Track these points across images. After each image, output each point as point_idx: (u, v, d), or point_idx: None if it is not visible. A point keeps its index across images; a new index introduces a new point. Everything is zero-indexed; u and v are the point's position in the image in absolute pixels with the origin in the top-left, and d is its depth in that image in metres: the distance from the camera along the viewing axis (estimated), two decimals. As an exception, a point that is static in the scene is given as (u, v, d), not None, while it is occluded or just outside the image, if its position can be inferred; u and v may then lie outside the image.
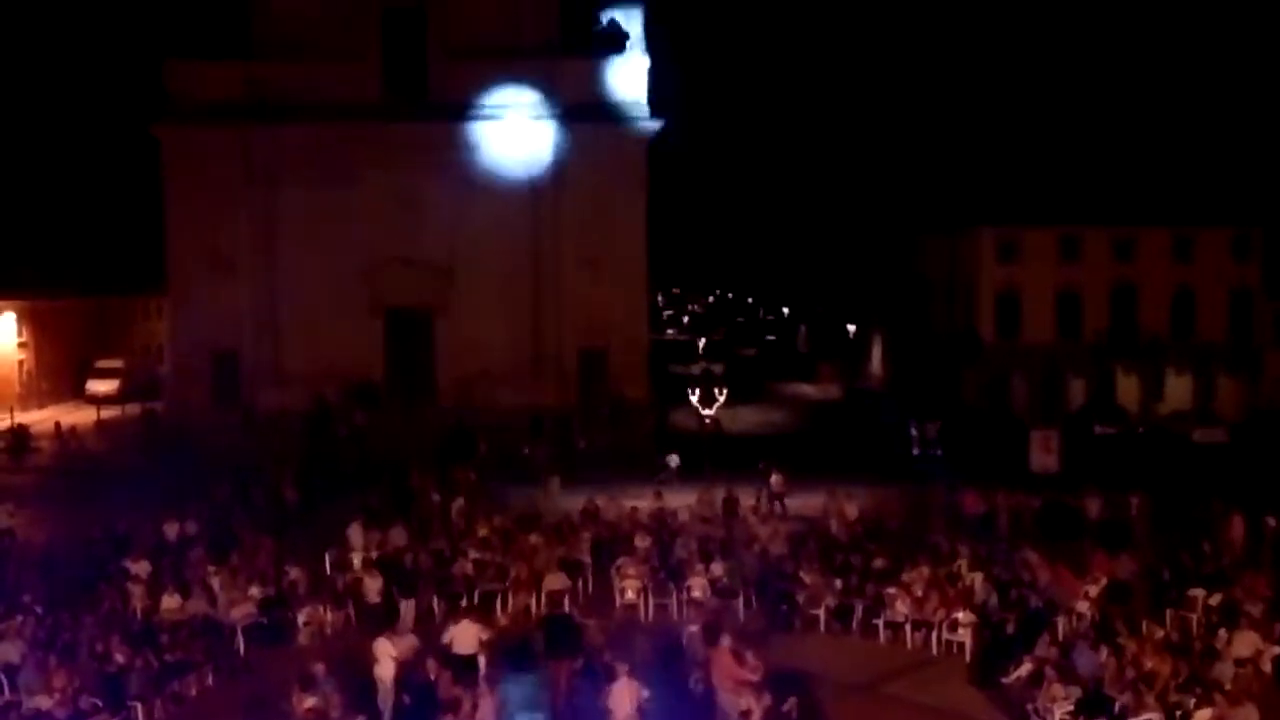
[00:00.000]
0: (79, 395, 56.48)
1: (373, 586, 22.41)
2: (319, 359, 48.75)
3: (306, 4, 50.13)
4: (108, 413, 50.89)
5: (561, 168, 51.25)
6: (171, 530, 26.81)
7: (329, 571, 24.71)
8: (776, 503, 30.90)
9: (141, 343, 63.91)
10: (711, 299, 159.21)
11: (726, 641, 17.48)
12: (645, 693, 15.83)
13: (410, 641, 18.23)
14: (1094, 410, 50.75)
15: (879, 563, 23.84)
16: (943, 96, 72.52)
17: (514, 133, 50.81)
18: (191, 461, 37.61)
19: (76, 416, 49.57)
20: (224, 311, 50.22)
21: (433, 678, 16.24)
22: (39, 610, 20.77)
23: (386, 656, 17.47)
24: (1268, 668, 18.67)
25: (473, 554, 24.58)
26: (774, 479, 31.47)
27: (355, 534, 25.90)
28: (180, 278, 51.21)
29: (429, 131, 50.50)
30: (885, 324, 69.25)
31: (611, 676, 16.33)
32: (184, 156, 50.40)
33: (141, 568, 23.51)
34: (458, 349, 50.95)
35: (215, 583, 22.42)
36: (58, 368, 57.56)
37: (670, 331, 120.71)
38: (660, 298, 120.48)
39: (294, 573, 23.33)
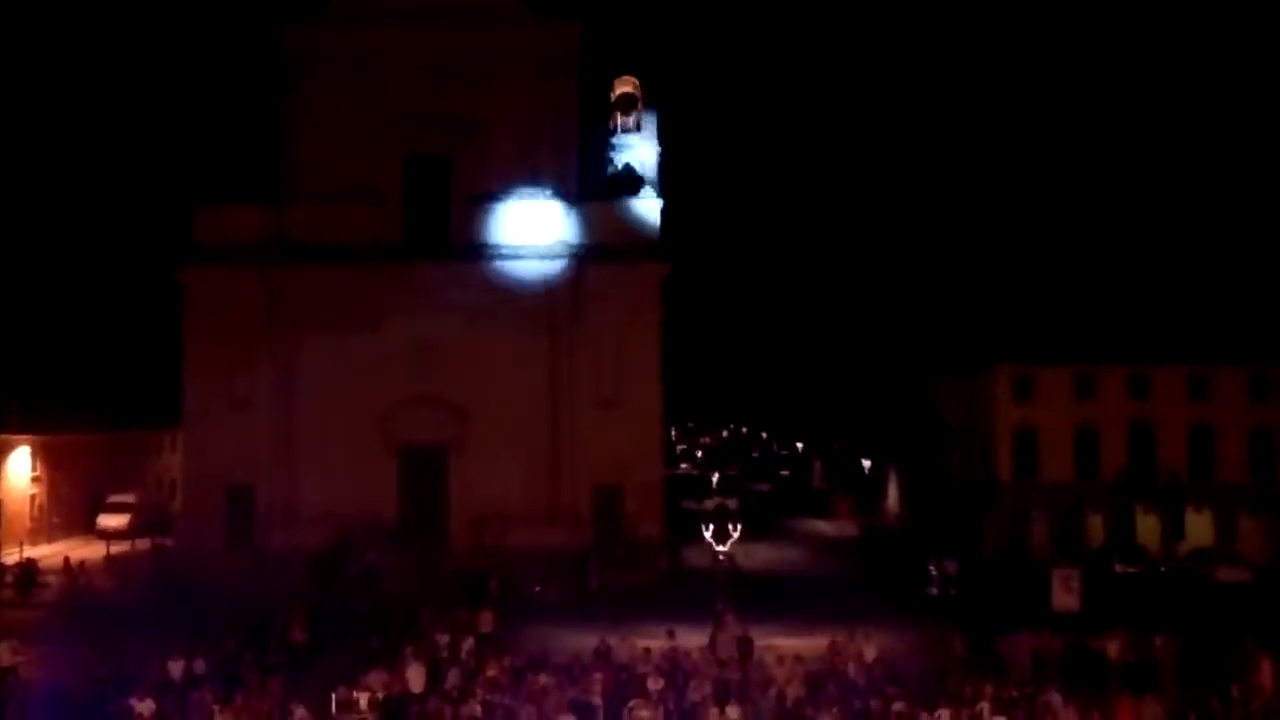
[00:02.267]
0: (90, 530, 56.29)
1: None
2: (334, 497, 48.72)
3: (332, 151, 51.64)
4: (118, 548, 50.61)
5: (577, 307, 51.92)
6: (176, 669, 26.38)
7: (334, 712, 24.19)
8: (734, 644, 29.84)
9: (155, 477, 63.96)
10: (725, 433, 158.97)
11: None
12: None
13: None
14: (1115, 549, 50.09)
15: (898, 706, 23.23)
16: (960, 236, 73.51)
17: (531, 273, 51.63)
18: (201, 600, 37.25)
19: (86, 551, 49.28)
20: (239, 449, 50.43)
21: None
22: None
23: None
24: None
25: (481, 694, 24.06)
26: (730, 619, 30.73)
27: (370, 676, 25.47)
28: (196, 414, 51.61)
29: (448, 272, 51.43)
30: (902, 463, 68.88)
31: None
32: (206, 299, 51.38)
33: (146, 706, 23.05)
34: (472, 488, 50.88)
35: (219, 723, 21.95)
36: (70, 502, 57.51)
37: (684, 466, 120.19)
38: (674, 432, 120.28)
39: (299, 713, 22.82)
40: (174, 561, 46.55)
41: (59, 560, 45.21)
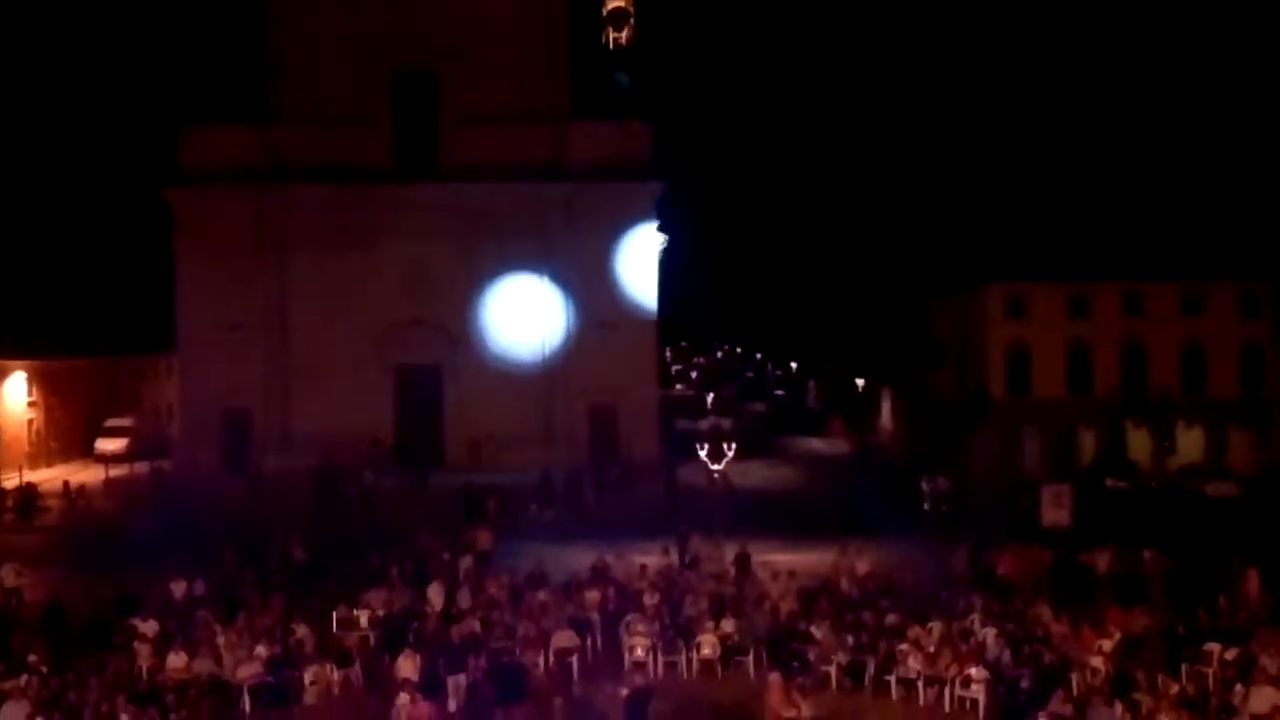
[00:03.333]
0: (88, 454, 56.55)
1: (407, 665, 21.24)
2: (329, 419, 48.84)
3: (319, 70, 50.91)
4: (116, 471, 50.90)
5: (570, 227, 51.64)
6: (178, 589, 26.74)
7: (336, 631, 24.58)
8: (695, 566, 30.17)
9: (151, 401, 64.06)
10: (720, 354, 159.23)
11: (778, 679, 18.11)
12: None
13: None
14: (1105, 465, 50.52)
15: (891, 619, 23.64)
16: (953, 153, 72.87)
17: (523, 194, 51.27)
18: (200, 521, 37.59)
19: (85, 475, 49.57)
20: (234, 372, 50.47)
21: None
22: (44, 670, 20.67)
23: None
24: (1286, 724, 18.38)
25: (481, 612, 24.44)
26: (693, 542, 31.02)
27: (370, 594, 25.87)
28: (191, 339, 51.55)
29: (439, 193, 51.02)
30: (894, 381, 69.16)
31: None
32: (196, 220, 50.97)
33: (149, 627, 23.41)
34: (467, 409, 51.06)
35: (221, 642, 22.29)
36: (67, 427, 57.70)
37: (678, 387, 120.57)
38: (668, 353, 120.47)
39: (301, 632, 23.19)
40: (172, 484, 46.90)
41: (58, 484, 45.55)
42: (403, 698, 18.38)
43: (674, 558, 29.96)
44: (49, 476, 50.08)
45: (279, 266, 51.20)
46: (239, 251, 50.75)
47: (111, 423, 58.06)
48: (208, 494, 43.17)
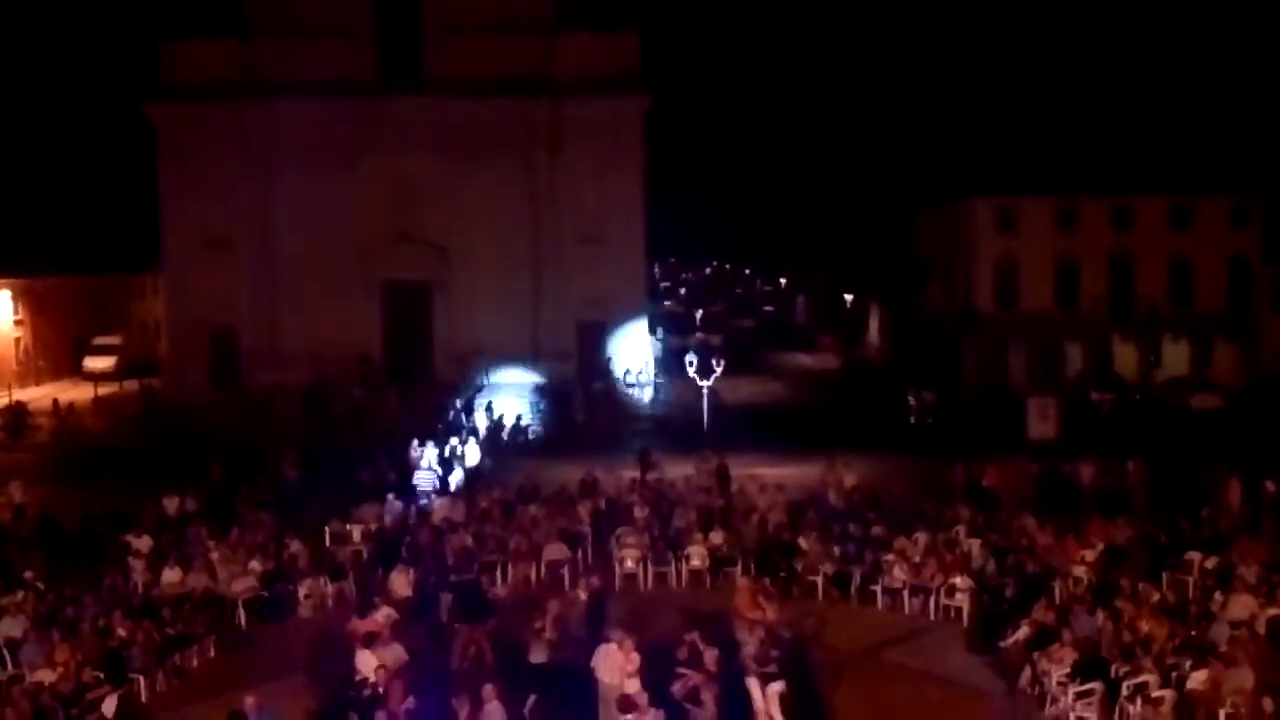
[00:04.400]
0: (76, 373, 56.53)
1: (400, 582, 21.40)
2: (317, 336, 48.72)
3: (298, -21, 49.84)
4: (105, 390, 50.92)
5: (557, 142, 51.09)
6: (171, 505, 26.93)
7: (329, 545, 24.83)
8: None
9: (139, 320, 63.91)
10: (709, 270, 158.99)
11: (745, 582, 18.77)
12: (636, 656, 15.82)
13: (395, 652, 16.87)
14: (1091, 378, 50.86)
15: (877, 530, 23.96)
16: (939, 67, 72.20)
17: (509, 108, 50.63)
18: (190, 439, 37.75)
19: (74, 394, 49.59)
20: (221, 289, 50.24)
21: (381, 690, 14.97)
22: (40, 586, 20.89)
23: (369, 669, 16.13)
24: (1262, 630, 18.75)
25: (473, 525, 24.71)
26: (653, 458, 31.16)
27: (363, 509, 26.11)
28: (176, 256, 51.23)
29: (423, 107, 50.28)
30: (883, 295, 69.21)
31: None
32: (178, 135, 50.30)
33: (143, 543, 23.61)
34: (456, 325, 50.96)
35: (215, 557, 22.51)
36: (55, 345, 57.59)
37: (667, 303, 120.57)
38: (657, 268, 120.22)
39: (294, 547, 23.43)
40: (161, 402, 46.94)
41: (47, 403, 45.56)
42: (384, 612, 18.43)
43: (643, 476, 29.98)
44: (37, 395, 50.08)
45: (262, 182, 50.67)
46: (222, 167, 50.20)
47: (99, 341, 57.96)
48: (197, 412, 43.23)
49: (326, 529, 25.53)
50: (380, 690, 14.51)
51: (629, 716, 14.11)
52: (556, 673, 16.59)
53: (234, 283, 50.45)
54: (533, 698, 13.81)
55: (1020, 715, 16.98)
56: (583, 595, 18.88)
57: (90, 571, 22.19)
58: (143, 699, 17.70)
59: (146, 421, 43.64)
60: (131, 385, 50.83)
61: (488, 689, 14.17)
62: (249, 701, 14.10)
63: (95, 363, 56.00)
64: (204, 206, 50.16)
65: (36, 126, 62.79)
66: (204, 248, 50.25)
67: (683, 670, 15.30)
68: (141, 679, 17.85)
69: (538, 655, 16.89)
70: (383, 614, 18.21)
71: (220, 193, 50.20)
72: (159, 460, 34.04)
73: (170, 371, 51.97)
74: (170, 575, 21.69)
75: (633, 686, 14.85)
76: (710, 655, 15.55)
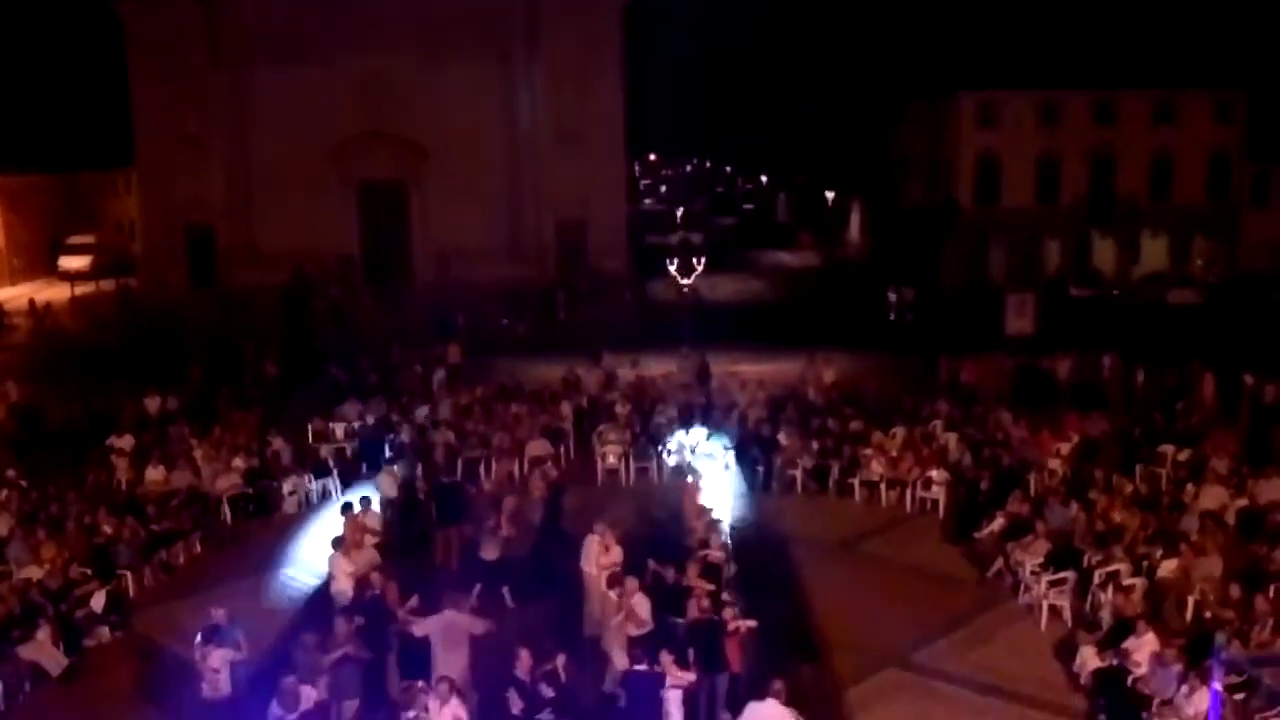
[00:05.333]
0: (52, 272, 56.01)
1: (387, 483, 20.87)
2: (294, 236, 48.40)
3: None
4: (82, 289, 50.54)
5: (535, 37, 50.22)
6: (153, 405, 26.93)
7: (311, 443, 24.93)
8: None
9: (114, 218, 63.16)
10: (689, 167, 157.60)
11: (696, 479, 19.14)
12: (617, 550, 16.05)
13: (368, 556, 16.52)
14: (1070, 274, 51.02)
15: (855, 425, 24.19)
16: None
17: (484, 1, 49.59)
18: (170, 338, 37.65)
19: (51, 294, 49.22)
20: (195, 188, 49.71)
21: (378, 591, 14.64)
22: (24, 484, 20.96)
23: (343, 574, 15.84)
24: (1232, 520, 19.15)
25: (456, 422, 24.85)
26: (605, 360, 31.23)
27: (345, 407, 26.18)
28: (149, 154, 50.56)
29: (399, 2, 49.22)
30: (864, 192, 68.88)
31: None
32: (147, 31, 49.31)
33: (124, 441, 23.64)
34: (434, 224, 50.67)
35: (199, 455, 22.59)
36: (29, 244, 56.97)
37: (648, 201, 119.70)
38: (637, 166, 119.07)
39: (277, 445, 23.51)
40: (139, 301, 46.68)
41: (23, 302, 45.22)
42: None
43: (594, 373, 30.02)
44: (13, 295, 49.67)
45: (234, 79, 49.82)
46: (193, 64, 49.31)
47: (74, 240, 57.34)
48: (175, 311, 43.06)
49: (309, 427, 25.62)
50: (378, 592, 14.49)
51: (614, 590, 14.39)
52: (510, 569, 16.68)
53: (209, 181, 49.89)
54: (477, 587, 13.95)
55: (994, 603, 17.37)
56: (536, 492, 19.03)
57: (73, 470, 22.28)
58: (131, 594, 17.89)
59: (125, 321, 43.42)
60: (108, 285, 50.45)
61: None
62: (219, 613, 13.71)
63: (71, 262, 55.47)
64: (176, 104, 49.35)
65: (4, 24, 61.13)
66: (177, 145, 49.53)
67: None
68: (129, 575, 18.03)
69: (489, 552, 16.89)
70: (369, 516, 18.06)
71: (192, 90, 49.36)
72: (138, 359, 33.94)
73: (147, 271, 51.62)
74: (154, 473, 21.76)
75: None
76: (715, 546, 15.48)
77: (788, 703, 11.61)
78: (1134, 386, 28.53)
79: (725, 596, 14.53)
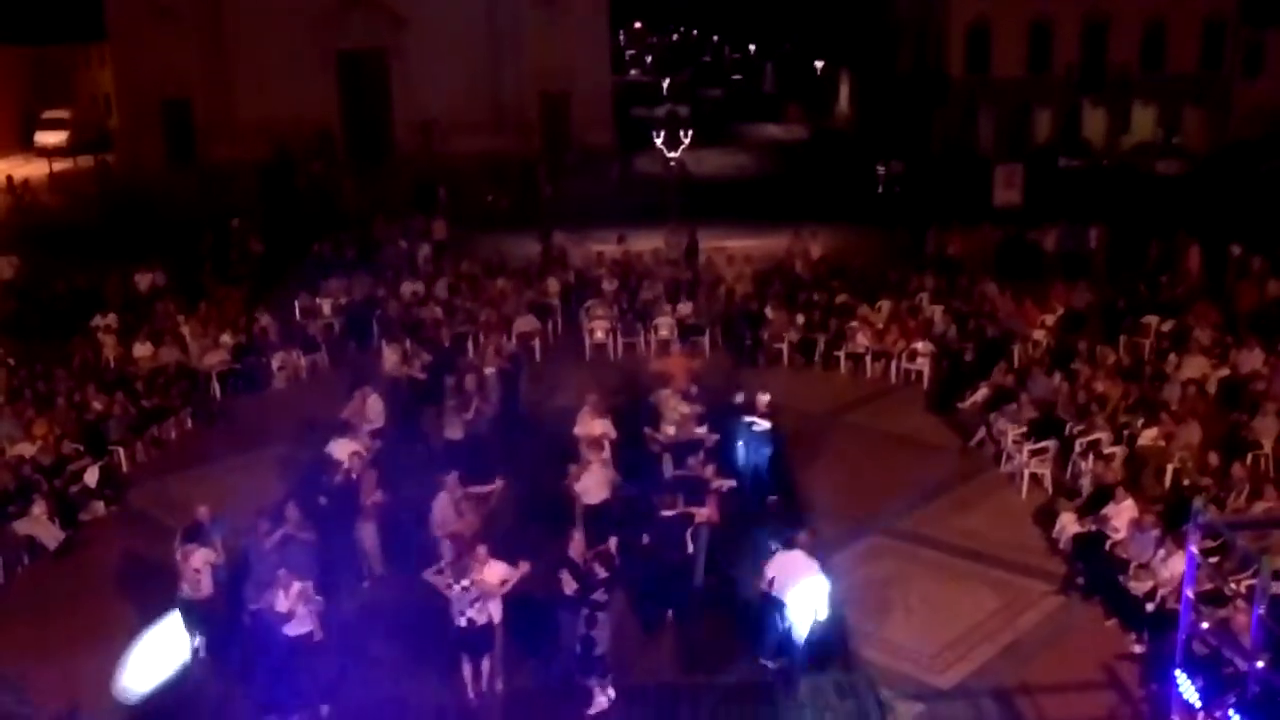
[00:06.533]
0: (28, 148, 55.06)
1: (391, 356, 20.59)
2: (273, 109, 47.42)
3: None
4: (60, 165, 49.72)
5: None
6: (143, 282, 26.82)
7: (299, 319, 24.93)
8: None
9: (88, 92, 61.78)
10: (675, 36, 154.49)
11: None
12: (598, 421, 16.22)
13: (363, 442, 16.06)
14: (1059, 144, 50.57)
15: (841, 298, 24.25)
16: None
17: None
18: (150, 215, 37.25)
19: (28, 170, 48.45)
20: (170, 60, 48.56)
21: (354, 477, 14.50)
22: (11, 362, 20.96)
23: (343, 454, 15.50)
24: (1213, 389, 19.40)
25: (443, 297, 24.84)
26: (557, 238, 31.08)
27: (331, 283, 26.11)
28: (121, 26, 49.23)
29: None
30: (853, 63, 67.70)
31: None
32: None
33: (110, 319, 23.59)
34: (415, 95, 49.67)
35: (186, 332, 22.58)
36: (2, 120, 55.85)
37: (634, 72, 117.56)
38: (622, 36, 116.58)
39: (264, 320, 23.49)
40: (118, 178, 46.05)
41: (1, 180, 44.53)
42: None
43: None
44: (-11, 171, 48.90)
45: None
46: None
47: (49, 115, 56.20)
48: (155, 187, 42.54)
49: (295, 303, 25.59)
50: (353, 477, 14.60)
51: (590, 452, 14.75)
52: (475, 448, 16.55)
53: (184, 53, 48.72)
54: (454, 474, 14.18)
55: (976, 471, 17.66)
56: (490, 368, 19.06)
57: (59, 347, 22.27)
58: (124, 469, 18.07)
59: (103, 197, 42.88)
60: (86, 160, 49.63)
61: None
62: (202, 511, 13.21)
63: (47, 137, 54.46)
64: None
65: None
66: (149, 17, 48.21)
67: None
68: (121, 450, 18.17)
69: (453, 431, 16.76)
70: (371, 401, 17.66)
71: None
72: (119, 237, 33.65)
73: (124, 146, 50.79)
74: (141, 350, 21.77)
75: (602, 450, 15.23)
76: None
77: (812, 554, 12.17)
78: (1120, 257, 28.56)
79: (704, 457, 14.98)
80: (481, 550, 11.74)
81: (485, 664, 11.89)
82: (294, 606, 11.48)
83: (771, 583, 12.09)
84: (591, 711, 11.55)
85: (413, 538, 14.14)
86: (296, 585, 11.60)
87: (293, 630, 11.54)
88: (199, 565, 12.60)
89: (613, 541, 12.14)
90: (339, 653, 12.22)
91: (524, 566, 11.79)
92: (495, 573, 11.62)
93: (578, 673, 11.65)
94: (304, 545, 13.24)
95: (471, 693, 11.86)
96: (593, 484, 14.54)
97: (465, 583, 11.47)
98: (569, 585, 11.68)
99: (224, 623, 12.86)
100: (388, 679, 12.30)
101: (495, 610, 11.66)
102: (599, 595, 11.43)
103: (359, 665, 12.40)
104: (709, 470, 14.40)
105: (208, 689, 12.41)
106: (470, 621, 11.49)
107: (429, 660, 12.25)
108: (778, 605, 12.04)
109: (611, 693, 11.63)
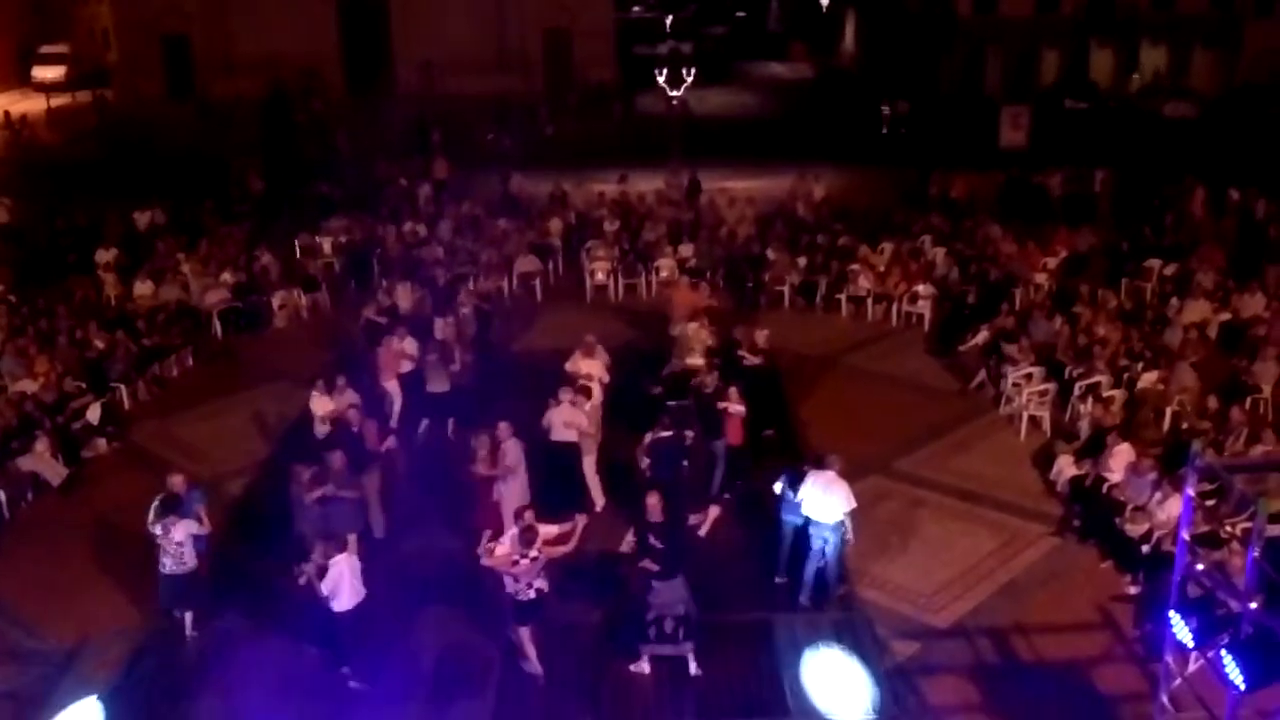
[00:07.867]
0: (25, 83, 54.56)
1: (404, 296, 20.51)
2: (273, 44, 46.91)
3: None
4: (58, 101, 49.32)
5: None
6: (142, 220, 26.73)
7: (299, 258, 24.88)
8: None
9: (86, 26, 61.08)
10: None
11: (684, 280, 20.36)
12: (587, 363, 16.22)
13: (348, 398, 15.33)
14: (1066, 86, 50.05)
15: (843, 241, 24.16)
16: None
17: None
18: (150, 151, 37.00)
19: (25, 106, 48.04)
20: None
21: (356, 430, 14.13)
22: (12, 299, 20.95)
23: (322, 410, 15.36)
24: (1213, 334, 19.40)
25: (446, 236, 24.78)
26: (512, 182, 30.66)
27: (332, 222, 26.05)
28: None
29: None
30: (859, 1, 66.81)
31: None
32: None
33: (110, 256, 23.56)
34: (415, 32, 49.11)
35: (187, 270, 22.54)
36: (-1, 55, 55.36)
37: (635, 9, 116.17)
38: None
39: (265, 259, 23.45)
40: (117, 113, 45.70)
41: (-1, 115, 44.26)
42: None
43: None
44: (-13, 107, 48.53)
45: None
46: None
47: (46, 49, 55.61)
48: (154, 123, 42.23)
49: (296, 242, 25.52)
50: (354, 430, 14.17)
51: (566, 390, 14.60)
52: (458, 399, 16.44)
53: (182, -14, 48.16)
54: (425, 423, 14.06)
55: (976, 414, 17.70)
56: (466, 309, 18.99)
57: (59, 285, 22.25)
58: (126, 407, 18.12)
59: (102, 133, 42.59)
60: (84, 96, 49.22)
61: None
62: (177, 480, 12.47)
63: (44, 72, 53.90)
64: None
65: None
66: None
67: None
68: (122, 388, 18.22)
69: (437, 385, 16.52)
70: (407, 343, 17.14)
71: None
72: (118, 172, 33.47)
73: (123, 81, 50.32)
74: (142, 288, 21.77)
75: (585, 392, 15.14)
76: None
77: (842, 476, 12.39)
78: (1125, 200, 28.39)
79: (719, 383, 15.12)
80: (529, 514, 11.18)
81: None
82: (337, 586, 10.99)
83: (800, 502, 12.32)
84: (633, 669, 11.45)
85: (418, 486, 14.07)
86: (343, 564, 11.07)
87: (339, 607, 11.08)
88: (181, 538, 11.88)
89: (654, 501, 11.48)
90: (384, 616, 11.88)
91: (580, 519, 11.39)
92: (550, 535, 11.19)
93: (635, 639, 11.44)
94: (346, 503, 12.86)
95: (536, 661, 11.40)
96: (558, 420, 14.26)
97: (533, 553, 10.92)
98: (626, 544, 11.93)
99: (211, 592, 12.38)
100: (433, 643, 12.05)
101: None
102: (649, 564, 11.24)
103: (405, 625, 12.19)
104: (731, 393, 14.66)
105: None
106: (539, 591, 11.06)
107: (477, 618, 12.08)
108: (808, 523, 12.31)
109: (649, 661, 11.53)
